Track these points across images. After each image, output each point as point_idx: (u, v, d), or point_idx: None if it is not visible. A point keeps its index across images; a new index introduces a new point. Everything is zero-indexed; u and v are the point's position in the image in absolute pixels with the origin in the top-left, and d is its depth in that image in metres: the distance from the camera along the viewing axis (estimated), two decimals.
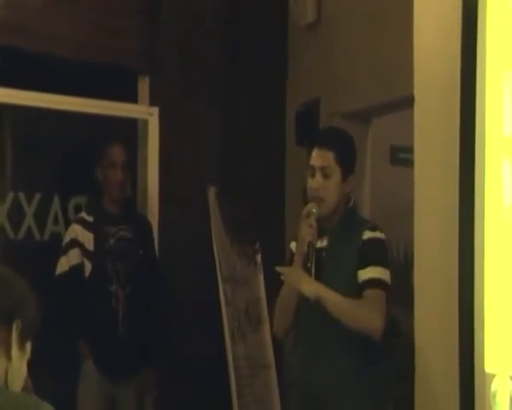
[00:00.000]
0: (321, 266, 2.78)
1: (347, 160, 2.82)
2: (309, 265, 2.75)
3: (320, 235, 2.79)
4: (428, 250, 2.82)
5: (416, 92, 2.91)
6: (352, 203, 2.86)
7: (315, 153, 2.82)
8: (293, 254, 2.88)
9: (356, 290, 2.73)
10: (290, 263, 2.88)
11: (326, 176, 2.77)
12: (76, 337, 3.74)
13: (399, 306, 2.99)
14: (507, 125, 2.45)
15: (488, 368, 2.38)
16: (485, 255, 2.45)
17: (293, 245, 2.92)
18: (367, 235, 2.77)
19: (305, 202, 2.89)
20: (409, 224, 2.99)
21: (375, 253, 2.75)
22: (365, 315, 2.68)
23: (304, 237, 2.75)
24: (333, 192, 2.78)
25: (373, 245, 2.76)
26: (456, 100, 2.60)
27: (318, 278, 2.77)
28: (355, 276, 2.74)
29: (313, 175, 2.80)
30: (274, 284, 4.09)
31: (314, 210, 2.76)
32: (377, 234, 2.79)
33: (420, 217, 2.89)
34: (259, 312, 4.22)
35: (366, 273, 2.72)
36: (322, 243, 2.81)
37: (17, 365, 1.67)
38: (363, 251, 2.75)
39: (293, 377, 2.87)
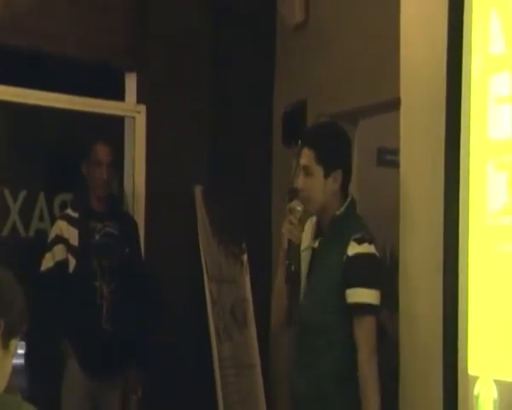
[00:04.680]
0: (311, 268, 2.79)
1: (329, 157, 2.78)
2: (287, 262, 2.76)
3: (317, 235, 2.80)
4: (413, 252, 2.83)
5: (402, 94, 2.93)
6: (343, 208, 2.79)
7: (301, 152, 2.83)
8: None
9: (337, 304, 2.69)
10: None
11: (308, 175, 2.77)
12: (60, 335, 3.73)
13: (385, 307, 2.99)
14: (491, 127, 2.46)
15: (472, 370, 2.39)
16: (469, 257, 2.46)
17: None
18: (352, 250, 2.69)
19: (291, 202, 2.90)
20: (395, 225, 3.00)
21: (360, 273, 2.68)
22: (367, 367, 2.64)
23: (284, 233, 2.77)
24: (316, 190, 2.76)
25: (358, 263, 2.68)
26: (442, 102, 2.61)
27: (307, 279, 2.78)
28: (337, 290, 2.70)
29: (299, 174, 2.81)
30: (260, 284, 4.10)
31: (299, 208, 2.77)
32: (364, 248, 2.70)
33: (405, 218, 2.90)
34: (245, 311, 4.23)
35: (352, 296, 2.67)
36: (315, 244, 2.81)
37: (0, 364, 1.66)
38: (348, 270, 2.68)
39: (288, 380, 2.88)
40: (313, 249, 2.80)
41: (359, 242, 2.72)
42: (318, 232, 2.82)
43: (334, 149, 2.82)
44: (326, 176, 2.77)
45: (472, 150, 2.51)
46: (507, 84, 2.37)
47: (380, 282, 2.74)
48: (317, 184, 2.77)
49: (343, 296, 2.70)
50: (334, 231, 2.79)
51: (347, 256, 2.70)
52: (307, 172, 2.77)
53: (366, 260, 2.71)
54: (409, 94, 2.91)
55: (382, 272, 2.77)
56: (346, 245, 2.71)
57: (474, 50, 2.50)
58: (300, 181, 2.79)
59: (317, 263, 2.79)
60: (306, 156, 2.78)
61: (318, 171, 2.76)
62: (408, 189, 2.91)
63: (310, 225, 2.87)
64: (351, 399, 2.69)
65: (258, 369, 4.16)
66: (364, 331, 2.67)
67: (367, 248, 2.72)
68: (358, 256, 2.69)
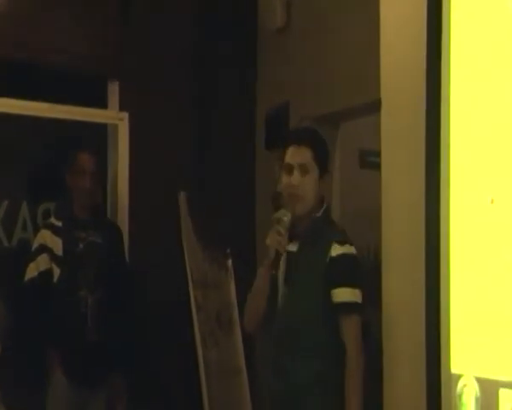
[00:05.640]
0: (289, 271, 2.77)
1: (323, 158, 2.79)
2: (274, 272, 2.74)
3: (292, 238, 2.76)
4: (395, 251, 2.84)
5: (383, 96, 2.94)
6: (322, 211, 2.79)
7: (292, 150, 2.76)
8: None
9: (322, 306, 2.69)
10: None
11: (304, 173, 2.73)
12: (45, 345, 3.71)
13: (369, 306, 3.00)
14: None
15: (454, 369, 2.40)
16: (450, 256, 2.47)
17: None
18: (335, 251, 2.69)
19: (276, 208, 2.88)
20: (378, 225, 3.01)
21: (345, 272, 2.69)
22: (355, 364, 2.66)
23: (271, 244, 2.73)
24: (311, 190, 2.75)
25: (342, 263, 2.69)
26: (422, 103, 2.62)
27: (286, 282, 2.76)
28: (321, 291, 2.69)
29: (290, 172, 2.74)
30: (245, 289, 4.09)
31: (285, 218, 2.73)
32: (346, 249, 2.71)
33: (387, 219, 2.91)
34: (231, 317, 4.21)
35: (339, 296, 2.67)
36: (293, 248, 2.77)
37: None
38: (332, 270, 2.68)
39: (263, 380, 2.87)
40: (289, 253, 2.77)
41: (341, 243, 2.72)
42: (293, 235, 2.77)
43: (327, 152, 2.84)
44: (320, 176, 2.76)
45: (452, 150, 2.52)
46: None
47: (362, 283, 2.74)
48: (312, 182, 2.74)
49: (327, 298, 2.69)
50: (314, 234, 2.77)
51: (330, 257, 2.69)
52: (303, 170, 2.74)
53: (350, 261, 2.72)
54: (389, 96, 2.92)
55: (363, 272, 2.77)
56: (327, 247, 2.70)
57: (453, 52, 2.52)
58: (296, 179, 2.74)
59: (298, 266, 2.77)
60: (303, 154, 2.74)
61: (314, 170, 2.75)
62: (389, 189, 2.92)
63: None
64: (330, 401, 2.67)
65: (244, 374, 4.15)
66: (352, 329, 2.68)
67: (349, 248, 2.73)
68: (342, 256, 2.70)
